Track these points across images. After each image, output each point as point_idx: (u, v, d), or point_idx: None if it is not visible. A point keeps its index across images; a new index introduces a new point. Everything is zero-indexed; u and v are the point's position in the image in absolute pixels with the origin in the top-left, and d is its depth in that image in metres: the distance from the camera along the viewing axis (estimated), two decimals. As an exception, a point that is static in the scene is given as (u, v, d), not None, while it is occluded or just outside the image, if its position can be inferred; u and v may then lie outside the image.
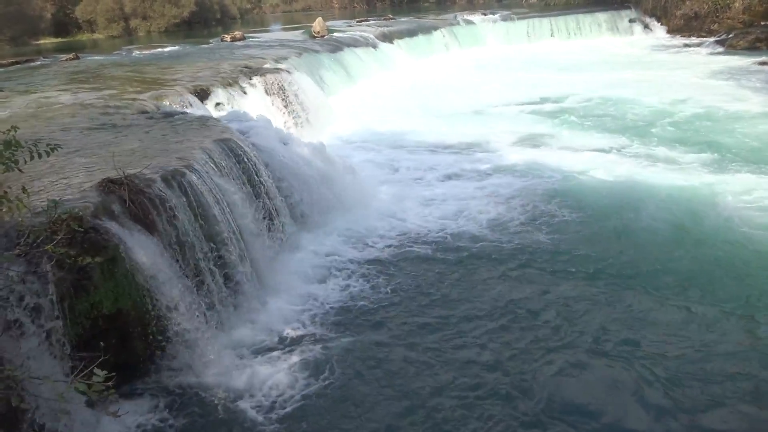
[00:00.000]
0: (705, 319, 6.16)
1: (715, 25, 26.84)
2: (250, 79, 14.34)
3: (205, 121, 9.05)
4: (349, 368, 5.75)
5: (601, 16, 30.97)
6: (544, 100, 17.06)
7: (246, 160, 7.80)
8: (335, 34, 25.82)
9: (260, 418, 5.15)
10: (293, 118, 14.02)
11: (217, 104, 12.61)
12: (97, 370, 3.42)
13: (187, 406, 5.32)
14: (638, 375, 5.36)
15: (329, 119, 15.28)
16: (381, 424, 5.07)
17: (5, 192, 3.96)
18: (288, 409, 5.24)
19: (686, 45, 26.03)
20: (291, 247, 7.99)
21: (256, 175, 7.84)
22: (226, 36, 27.43)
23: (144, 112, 10.05)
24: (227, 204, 6.77)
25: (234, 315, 6.39)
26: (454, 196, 9.98)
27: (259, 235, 7.29)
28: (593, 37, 30.02)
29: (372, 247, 8.23)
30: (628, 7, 31.48)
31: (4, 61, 22.17)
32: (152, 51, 23.66)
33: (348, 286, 7.23)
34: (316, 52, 20.48)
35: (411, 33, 27.61)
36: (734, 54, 23.04)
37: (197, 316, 5.71)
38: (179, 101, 11.63)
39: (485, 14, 33.06)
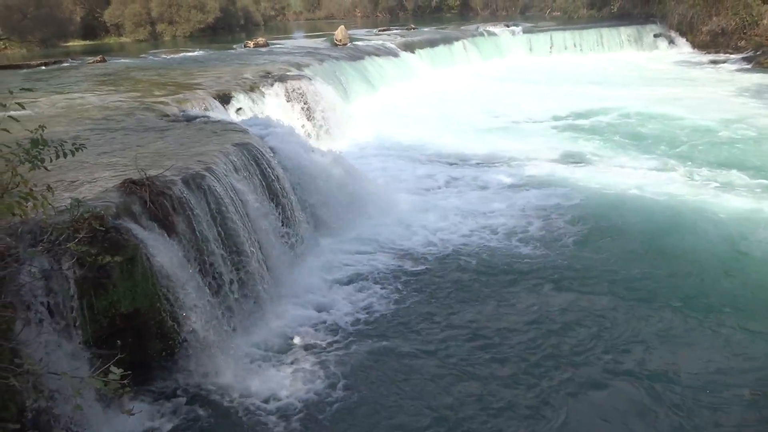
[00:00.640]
0: (739, 346, 5.95)
1: (743, 42, 26.52)
2: (272, 84, 14.47)
3: (226, 125, 9.15)
4: (363, 376, 5.75)
5: (625, 31, 30.73)
6: (572, 115, 16.74)
7: (265, 164, 7.87)
8: (357, 42, 25.96)
9: (272, 422, 5.17)
10: (313, 124, 14.11)
11: (239, 109, 12.75)
12: (113, 368, 3.46)
13: (201, 407, 5.36)
14: (666, 400, 5.24)
15: (349, 126, 15.34)
16: (393, 432, 5.06)
17: (31, 189, 4.04)
18: (301, 415, 5.25)
19: (712, 61, 25.73)
20: (308, 252, 8.03)
21: (275, 179, 7.90)
22: (249, 42, 27.71)
23: (167, 115, 10.20)
24: (245, 208, 6.83)
25: (249, 318, 6.43)
26: (474, 207, 9.91)
27: (277, 240, 7.34)
28: (617, 51, 29.78)
29: (389, 255, 8.23)
30: (653, 22, 31.22)
31: (33, 62, 22.65)
32: (177, 55, 23.98)
33: (364, 293, 7.24)
34: (338, 59, 20.60)
35: (433, 43, 27.64)
36: (763, 71, 22.69)
37: (213, 318, 5.75)
38: (201, 105, 11.78)
39: (508, 26, 32.99)
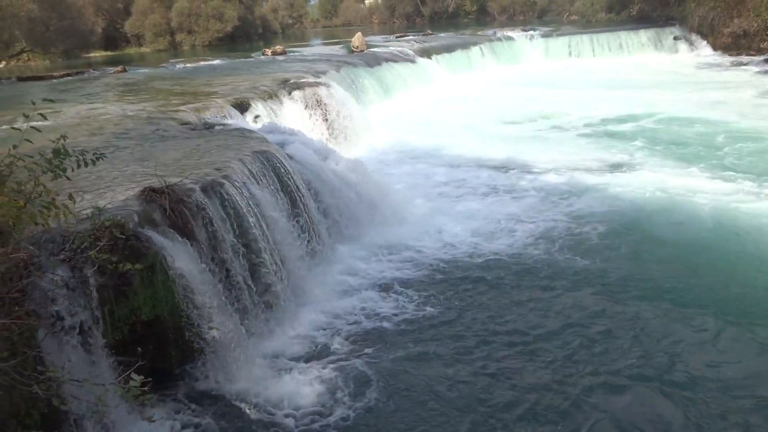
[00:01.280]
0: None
1: (765, 44, 26.11)
2: (289, 92, 14.56)
3: (244, 132, 9.22)
4: (384, 383, 5.71)
5: (645, 34, 30.43)
6: (595, 119, 16.45)
7: (283, 172, 7.90)
8: (374, 49, 26.05)
9: (291, 429, 5.16)
10: (331, 131, 14.17)
11: (256, 117, 12.84)
12: (134, 375, 3.49)
13: (220, 413, 5.37)
14: (700, 408, 5.11)
15: (366, 132, 15.38)
16: (411, 440, 5.03)
17: (53, 199, 4.10)
18: (319, 422, 5.23)
19: (734, 63, 25.36)
20: (326, 259, 8.04)
21: (293, 186, 7.93)
22: (267, 50, 27.97)
23: (186, 123, 10.31)
24: (263, 215, 6.86)
25: (267, 325, 6.44)
26: (492, 213, 9.82)
27: (295, 247, 7.36)
28: (636, 55, 29.49)
29: (407, 262, 8.21)
30: (673, 24, 30.88)
31: (56, 73, 23.10)
32: (196, 64, 24.28)
33: (383, 300, 7.22)
34: (355, 66, 20.69)
35: (449, 48, 27.64)
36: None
37: (231, 324, 5.78)
38: (220, 113, 11.89)
39: (525, 31, 32.90)
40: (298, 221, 7.70)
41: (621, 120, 16.18)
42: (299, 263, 7.33)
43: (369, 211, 9.23)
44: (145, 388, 3.48)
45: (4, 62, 34.06)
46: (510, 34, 31.77)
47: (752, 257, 7.76)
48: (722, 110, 16.44)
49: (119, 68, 22.95)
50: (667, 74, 24.10)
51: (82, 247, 4.58)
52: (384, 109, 18.77)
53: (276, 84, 15.27)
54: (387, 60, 22.93)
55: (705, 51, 28.95)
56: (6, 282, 3.97)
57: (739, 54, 26.76)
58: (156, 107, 12.17)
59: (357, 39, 26.15)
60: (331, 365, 5.99)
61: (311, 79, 16.25)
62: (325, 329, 6.64)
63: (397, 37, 33.97)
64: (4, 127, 8.24)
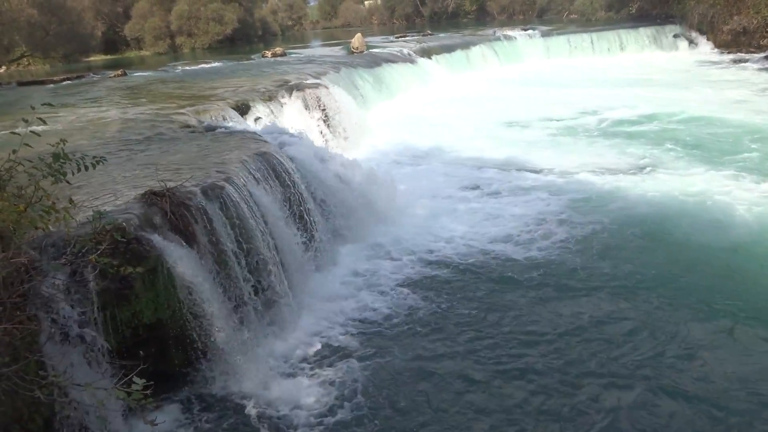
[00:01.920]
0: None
1: (765, 41, 26.04)
2: (290, 94, 14.56)
3: (244, 134, 9.22)
4: (386, 384, 5.71)
5: (645, 32, 30.37)
6: (600, 118, 16.37)
7: (284, 173, 7.89)
8: (374, 49, 26.04)
9: (294, 430, 5.15)
10: (331, 132, 14.16)
11: (257, 119, 12.83)
12: (136, 379, 3.48)
13: (223, 416, 5.36)
14: (706, 411, 5.07)
15: (367, 133, 15.37)
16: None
17: (53, 203, 4.09)
18: (323, 423, 5.22)
19: (734, 61, 25.31)
20: (327, 261, 8.03)
21: (294, 188, 7.92)
22: (267, 52, 27.97)
23: (186, 126, 10.30)
24: (264, 217, 6.85)
25: (270, 327, 6.43)
26: (495, 214, 9.79)
27: (296, 249, 7.35)
28: (636, 53, 29.42)
29: (408, 263, 8.19)
30: (673, 22, 30.83)
31: (56, 78, 23.12)
32: (196, 67, 24.29)
33: (384, 302, 7.20)
34: (355, 67, 20.68)
35: (450, 48, 27.60)
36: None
37: (233, 327, 5.77)
38: (220, 116, 11.88)
39: (525, 30, 32.87)
40: (299, 223, 7.69)
41: (625, 118, 16.13)
42: (301, 265, 7.32)
43: (370, 213, 9.21)
44: (148, 392, 3.47)
45: (4, 67, 34.11)
46: (510, 33, 31.73)
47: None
48: (732, 108, 16.30)
49: (119, 72, 22.96)
50: (668, 72, 24.01)
51: (83, 251, 4.58)
52: (384, 109, 18.76)
53: (276, 86, 15.26)
54: (387, 61, 22.91)
55: (705, 48, 28.90)
56: (7, 287, 3.96)
57: (739, 51, 26.71)
58: (156, 110, 12.17)
59: (357, 40, 26.14)
60: (334, 367, 5.98)
61: (311, 81, 16.24)
62: (327, 331, 6.63)
63: (396, 38, 33.95)
64: (3, 132, 8.24)
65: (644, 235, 8.59)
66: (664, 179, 10.84)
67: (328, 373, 5.89)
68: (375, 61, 22.36)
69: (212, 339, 5.52)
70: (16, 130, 4.16)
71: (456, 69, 25.99)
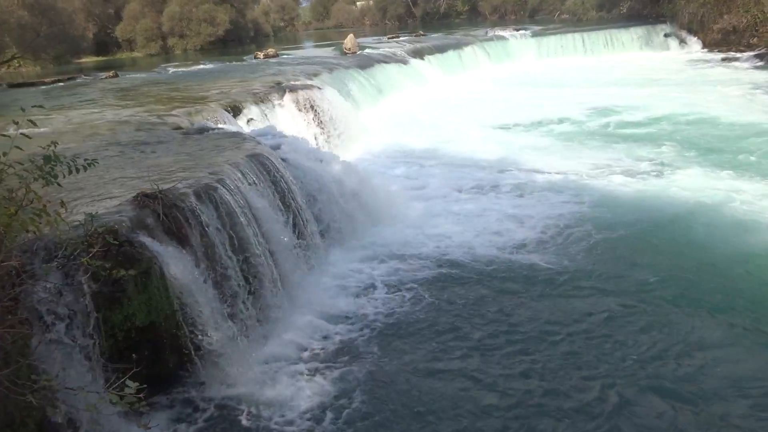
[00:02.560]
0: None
1: (755, 39, 26.22)
2: (282, 95, 14.53)
3: (237, 136, 9.20)
4: (379, 387, 5.70)
5: (635, 31, 30.53)
6: (586, 116, 16.54)
7: (277, 175, 7.88)
8: (366, 50, 26.05)
9: (288, 434, 5.15)
10: (324, 133, 14.15)
11: (249, 120, 12.81)
12: (129, 382, 3.47)
13: (216, 419, 5.34)
14: (697, 410, 5.05)
15: (360, 134, 15.37)
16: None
17: (44, 206, 4.07)
18: (315, 426, 5.21)
19: (725, 59, 25.47)
20: (320, 262, 8.02)
21: (287, 190, 7.91)
22: (259, 53, 27.93)
23: (179, 128, 10.27)
24: (257, 219, 6.84)
25: (263, 330, 6.42)
26: (488, 214, 9.79)
27: (289, 250, 7.33)
28: (627, 52, 29.58)
29: (402, 263, 8.19)
30: (663, 22, 31.01)
31: (47, 80, 23.00)
32: (188, 68, 24.23)
33: (377, 303, 7.20)
34: (347, 68, 20.69)
35: (442, 49, 27.66)
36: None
37: (227, 329, 5.75)
38: (213, 117, 11.85)
39: (517, 30, 32.98)
40: (291, 224, 7.68)
41: (618, 119, 16.20)
42: (294, 267, 7.31)
43: (364, 214, 9.21)
44: (141, 395, 3.46)
45: (-6, 69, 33.89)
46: (502, 33, 31.84)
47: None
48: (721, 105, 16.40)
49: (111, 73, 22.87)
50: (660, 71, 24.07)
51: (75, 253, 4.56)
52: (377, 110, 18.76)
53: (269, 87, 15.24)
54: (380, 61, 22.93)
55: (695, 48, 29.08)
56: (-2, 290, 3.94)
57: (729, 50, 26.88)
58: (148, 112, 12.13)
59: (349, 41, 26.13)
60: (327, 369, 5.97)
61: (304, 82, 16.24)
62: (320, 333, 6.62)
63: (389, 39, 33.97)
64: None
65: (635, 237, 8.64)
66: (666, 181, 10.80)
67: (322, 374, 5.88)
68: (368, 62, 22.38)
69: (205, 341, 5.51)
70: (7, 133, 4.13)
71: (449, 69, 26.05)
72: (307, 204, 8.30)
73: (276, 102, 14.20)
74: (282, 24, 68.50)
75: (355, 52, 25.21)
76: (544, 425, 5.04)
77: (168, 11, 43.74)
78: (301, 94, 14.68)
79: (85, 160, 4.38)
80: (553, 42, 30.62)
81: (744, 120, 14.56)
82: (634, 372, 5.57)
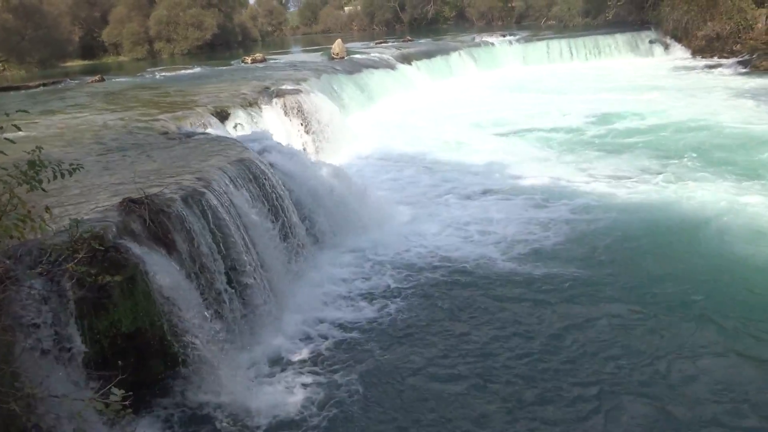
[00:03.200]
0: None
1: (738, 46, 26.57)
2: (270, 99, 14.52)
3: (224, 141, 9.16)
4: (367, 391, 5.69)
5: (621, 38, 30.84)
6: (580, 124, 16.54)
7: (264, 180, 7.86)
8: (354, 55, 26.09)
9: (276, 440, 5.12)
10: (312, 138, 14.14)
11: (237, 125, 12.77)
12: (114, 389, 3.44)
13: (203, 425, 5.30)
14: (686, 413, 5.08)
15: (348, 139, 15.38)
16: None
17: (29, 211, 4.03)
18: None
19: (708, 66, 25.78)
20: (308, 267, 8.00)
21: (275, 195, 7.89)
22: (247, 58, 27.88)
23: (165, 132, 10.21)
24: (245, 223, 6.81)
25: (250, 335, 6.38)
26: (475, 219, 9.80)
27: (277, 255, 7.31)
28: (613, 59, 29.86)
29: (389, 268, 8.19)
30: (648, 28, 31.36)
31: (32, 84, 22.79)
32: (175, 73, 24.11)
33: (365, 307, 7.20)
34: (335, 73, 20.70)
35: (429, 54, 27.77)
36: (758, 75, 22.60)
37: (214, 335, 5.71)
38: (200, 122, 11.80)
39: (504, 35, 33.19)
40: (279, 229, 7.65)
41: (605, 125, 16.28)
42: (281, 272, 7.29)
43: (351, 218, 9.21)
44: (126, 403, 3.43)
45: (-22, 73, 33.54)
46: (489, 39, 32.01)
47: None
48: (707, 112, 16.50)
49: (97, 77, 22.70)
50: (647, 77, 24.24)
51: (60, 259, 4.51)
52: (365, 115, 18.78)
53: (256, 92, 15.20)
54: (367, 67, 22.97)
55: (680, 54, 29.40)
56: (-19, 297, 3.89)
57: (712, 56, 27.22)
58: (135, 116, 12.04)
59: (337, 46, 26.16)
60: (314, 374, 5.95)
61: (292, 87, 16.21)
62: (307, 338, 6.60)
63: (376, 44, 34.06)
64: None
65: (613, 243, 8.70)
66: (655, 187, 10.77)
67: (310, 379, 5.86)
68: (356, 67, 22.41)
69: (192, 347, 5.46)
70: (-10, 138, 4.09)
71: (436, 74, 26.15)
72: (294, 209, 8.28)
73: (264, 107, 14.18)
74: (270, 28, 68.51)
75: (343, 57, 25.24)
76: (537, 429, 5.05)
77: (155, 15, 43.58)
78: (289, 99, 14.67)
79: (70, 164, 4.34)
80: (539, 48, 30.84)
81: (736, 126, 14.64)
82: (635, 379, 5.56)
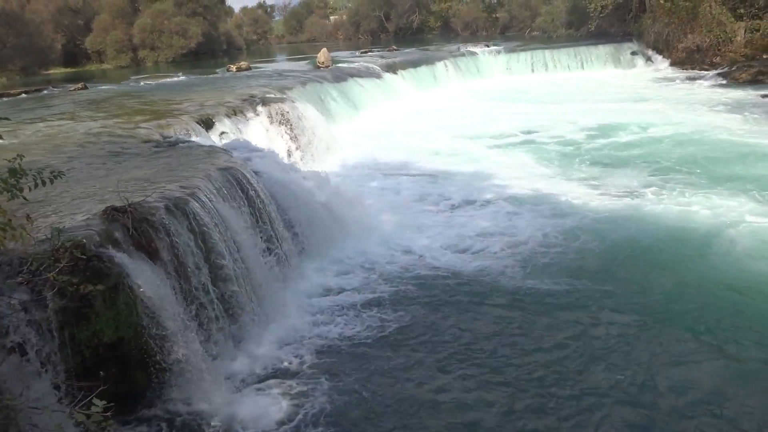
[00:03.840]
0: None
1: (717, 58, 27.06)
2: (255, 108, 14.48)
3: (209, 150, 9.12)
4: (351, 401, 5.67)
5: (604, 49, 31.28)
6: (564, 134, 16.69)
7: (249, 188, 7.83)
8: (340, 64, 26.16)
9: (260, 450, 5.07)
10: (297, 146, 14.13)
11: (222, 133, 12.72)
12: (96, 400, 3.39)
13: (186, 437, 5.24)
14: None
15: (333, 148, 15.38)
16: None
17: (9, 220, 3.97)
18: (288, 441, 5.16)
19: (689, 78, 26.20)
20: (293, 276, 7.97)
21: (259, 203, 7.86)
22: (232, 66, 27.83)
23: (149, 141, 10.14)
24: (230, 232, 6.77)
25: (234, 345, 6.34)
26: (460, 228, 9.86)
27: (261, 264, 7.27)
28: (596, 70, 30.27)
29: (375, 277, 8.18)
30: (630, 40, 31.84)
31: (13, 91, 22.54)
32: (159, 81, 23.99)
33: (350, 317, 7.17)
34: (321, 82, 20.73)
35: (415, 64, 27.93)
36: (737, 87, 23.02)
37: (197, 345, 5.66)
38: (184, 130, 11.73)
39: (488, 46, 33.49)
40: (264, 238, 7.62)
41: (590, 135, 16.42)
42: (266, 280, 7.24)
43: (336, 227, 9.20)
44: (108, 414, 3.38)
45: (-42, 80, 33.11)
46: (473, 49, 32.28)
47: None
48: (692, 124, 16.72)
49: (80, 85, 22.51)
50: (628, 89, 24.53)
51: (41, 268, 4.45)
52: (351, 124, 18.82)
53: (241, 100, 15.15)
54: (353, 75, 23.03)
55: (661, 66, 29.86)
56: (-40, 307, 3.82)
57: (693, 68, 27.68)
58: (118, 125, 11.95)
59: (322, 55, 26.19)
60: (298, 384, 5.92)
61: (277, 95, 16.20)
62: (292, 347, 6.56)
63: (362, 53, 34.18)
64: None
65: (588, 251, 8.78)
66: (641, 201, 10.80)
67: (294, 389, 5.82)
68: (341, 76, 22.46)
69: (176, 357, 5.41)
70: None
71: (421, 84, 26.30)
72: (280, 217, 8.25)
73: (249, 115, 14.13)
74: (255, 37, 68.50)
75: (329, 66, 25.27)
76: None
77: (139, 23, 43.35)
78: (274, 108, 14.65)
79: (52, 172, 4.29)
80: (523, 59, 31.16)
81: (722, 138, 14.85)
82: (633, 390, 5.57)
